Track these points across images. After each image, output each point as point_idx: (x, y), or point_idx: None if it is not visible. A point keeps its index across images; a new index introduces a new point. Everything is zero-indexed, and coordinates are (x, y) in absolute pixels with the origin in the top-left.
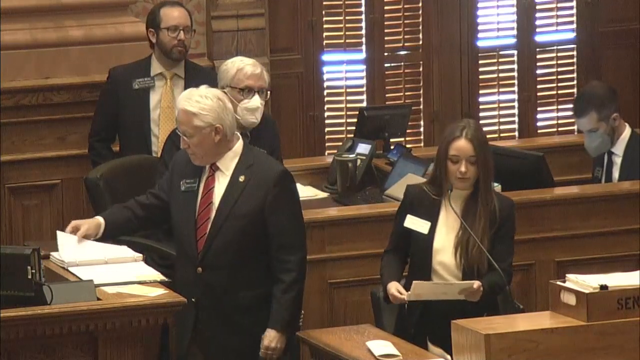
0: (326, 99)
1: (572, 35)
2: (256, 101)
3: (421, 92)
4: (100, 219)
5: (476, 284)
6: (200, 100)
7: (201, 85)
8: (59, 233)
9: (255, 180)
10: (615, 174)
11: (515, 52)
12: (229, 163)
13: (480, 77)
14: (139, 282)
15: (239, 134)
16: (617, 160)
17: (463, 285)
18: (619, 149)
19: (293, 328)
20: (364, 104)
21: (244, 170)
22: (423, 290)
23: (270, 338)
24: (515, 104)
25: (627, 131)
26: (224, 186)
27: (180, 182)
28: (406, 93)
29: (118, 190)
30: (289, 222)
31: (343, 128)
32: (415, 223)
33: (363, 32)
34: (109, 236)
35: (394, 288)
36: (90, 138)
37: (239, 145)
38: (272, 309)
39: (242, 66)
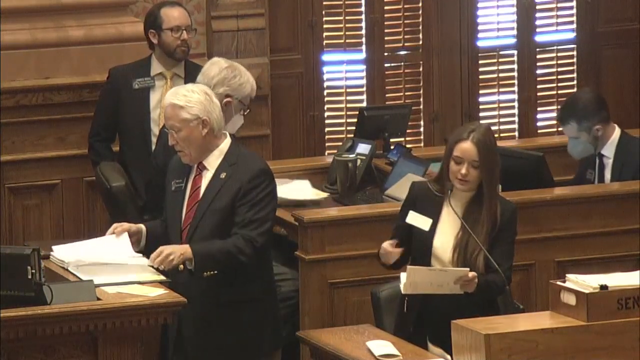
0: (326, 99)
1: (572, 35)
2: (242, 118)
3: (421, 92)
4: (142, 226)
5: (471, 273)
6: (187, 94)
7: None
8: (54, 248)
9: (235, 177)
10: (607, 175)
11: (515, 52)
12: (214, 161)
13: (480, 77)
14: (139, 282)
15: (227, 133)
16: (608, 162)
17: (458, 272)
18: (609, 150)
19: (199, 265)
20: (364, 104)
21: (226, 168)
22: (418, 277)
23: (177, 249)
24: (515, 104)
25: (616, 133)
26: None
27: (172, 183)
28: (406, 93)
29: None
30: (255, 214)
31: (343, 128)
32: (416, 219)
33: (363, 32)
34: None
35: (387, 243)
36: (90, 138)
37: (225, 144)
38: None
39: (254, 86)
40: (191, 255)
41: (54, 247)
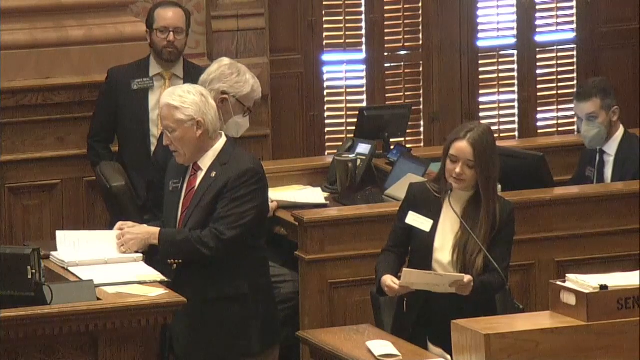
0: (326, 99)
1: (572, 35)
2: (247, 122)
3: (421, 92)
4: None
5: (467, 277)
6: (182, 95)
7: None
8: (58, 233)
9: (223, 176)
10: (607, 173)
11: (515, 52)
12: (208, 162)
13: (480, 77)
14: (139, 282)
15: (224, 133)
16: (609, 160)
17: (453, 277)
18: (612, 148)
19: (162, 251)
20: (364, 104)
21: (217, 167)
22: (413, 279)
23: (143, 233)
24: (515, 104)
25: (620, 130)
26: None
27: (170, 183)
28: (406, 93)
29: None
30: (232, 209)
31: (343, 128)
32: (417, 220)
33: (363, 32)
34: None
35: (389, 280)
36: (89, 139)
37: (220, 144)
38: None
39: (256, 88)
40: (156, 240)
41: (57, 232)
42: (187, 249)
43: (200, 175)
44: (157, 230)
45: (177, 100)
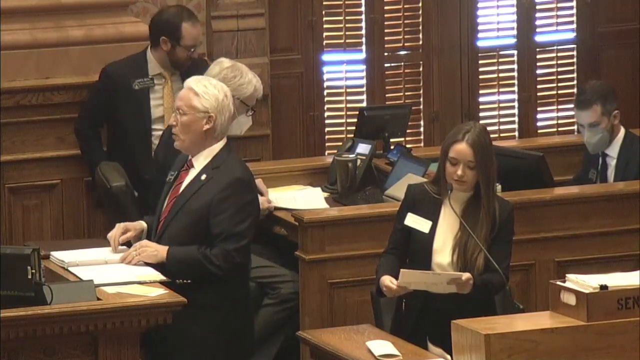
0: (326, 99)
1: (572, 35)
2: (250, 119)
3: (421, 92)
4: (144, 224)
5: (465, 275)
6: (207, 86)
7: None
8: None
9: (213, 181)
10: (610, 176)
11: (515, 52)
12: (202, 162)
13: (480, 77)
14: (139, 282)
15: (226, 138)
16: (612, 162)
17: (452, 275)
18: (614, 150)
19: (170, 271)
20: (364, 104)
21: (209, 170)
22: (411, 279)
23: (155, 247)
24: (515, 104)
25: (621, 132)
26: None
27: (169, 174)
28: (406, 93)
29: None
30: (234, 226)
31: (343, 128)
32: (416, 222)
33: (363, 32)
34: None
35: (388, 280)
36: (78, 125)
37: (217, 146)
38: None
39: (258, 87)
40: (164, 257)
41: (52, 253)
42: (197, 270)
43: (191, 173)
44: (165, 248)
45: (200, 88)
